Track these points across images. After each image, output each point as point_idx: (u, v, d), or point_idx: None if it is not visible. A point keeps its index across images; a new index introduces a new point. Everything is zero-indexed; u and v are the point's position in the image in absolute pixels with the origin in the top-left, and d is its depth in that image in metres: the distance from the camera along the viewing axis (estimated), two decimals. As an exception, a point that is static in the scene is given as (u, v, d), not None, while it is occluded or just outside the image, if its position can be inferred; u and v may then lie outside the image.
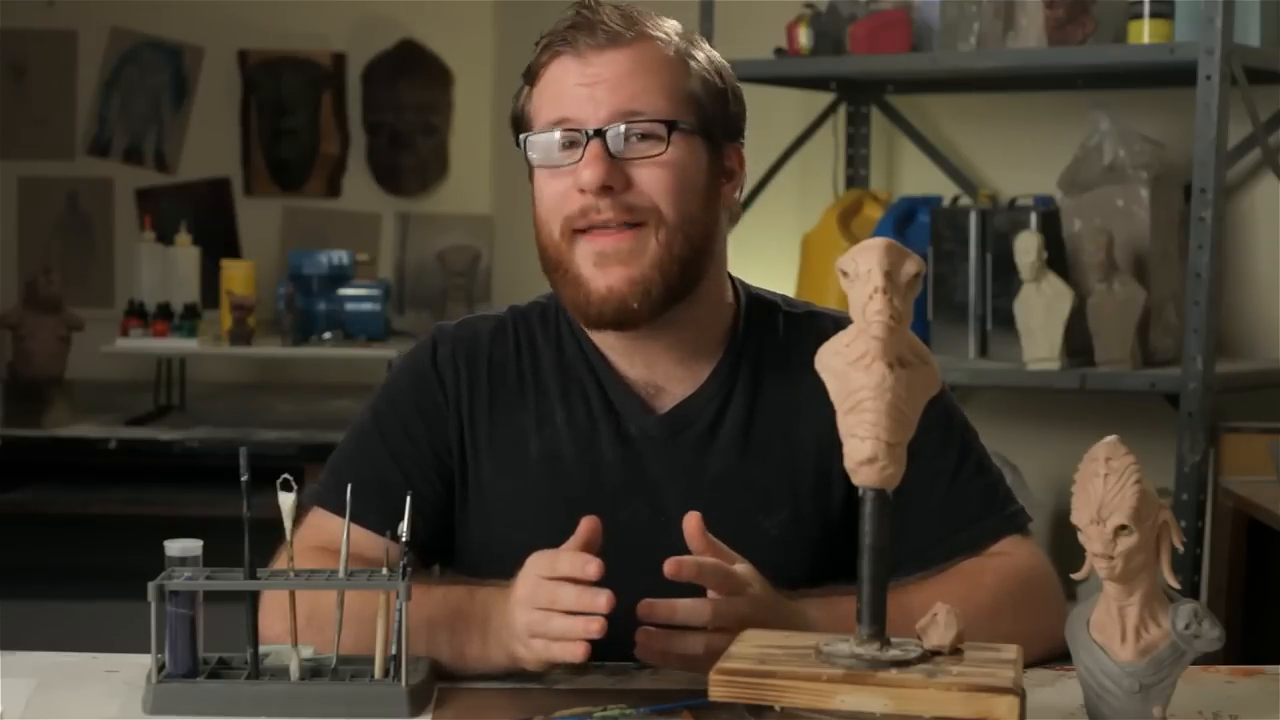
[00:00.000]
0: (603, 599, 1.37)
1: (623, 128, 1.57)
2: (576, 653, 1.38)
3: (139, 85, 4.34)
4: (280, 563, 1.46)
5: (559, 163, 1.59)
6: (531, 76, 1.63)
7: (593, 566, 1.38)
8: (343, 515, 1.47)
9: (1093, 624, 1.31)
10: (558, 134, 1.59)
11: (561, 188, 1.59)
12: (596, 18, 1.60)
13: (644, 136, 1.58)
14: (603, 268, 1.57)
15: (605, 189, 1.55)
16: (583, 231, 1.58)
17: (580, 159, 1.57)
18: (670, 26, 1.63)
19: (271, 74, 4.35)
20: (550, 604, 1.40)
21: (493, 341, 1.70)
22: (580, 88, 1.58)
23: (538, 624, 1.41)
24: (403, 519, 1.45)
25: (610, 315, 1.59)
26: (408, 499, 1.44)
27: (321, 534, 1.60)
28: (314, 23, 4.33)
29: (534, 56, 1.63)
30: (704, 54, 1.64)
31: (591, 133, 1.56)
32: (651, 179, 1.58)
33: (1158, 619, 1.28)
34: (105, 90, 4.34)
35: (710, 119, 1.62)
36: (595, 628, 1.37)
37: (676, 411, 1.66)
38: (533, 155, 1.61)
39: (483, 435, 1.67)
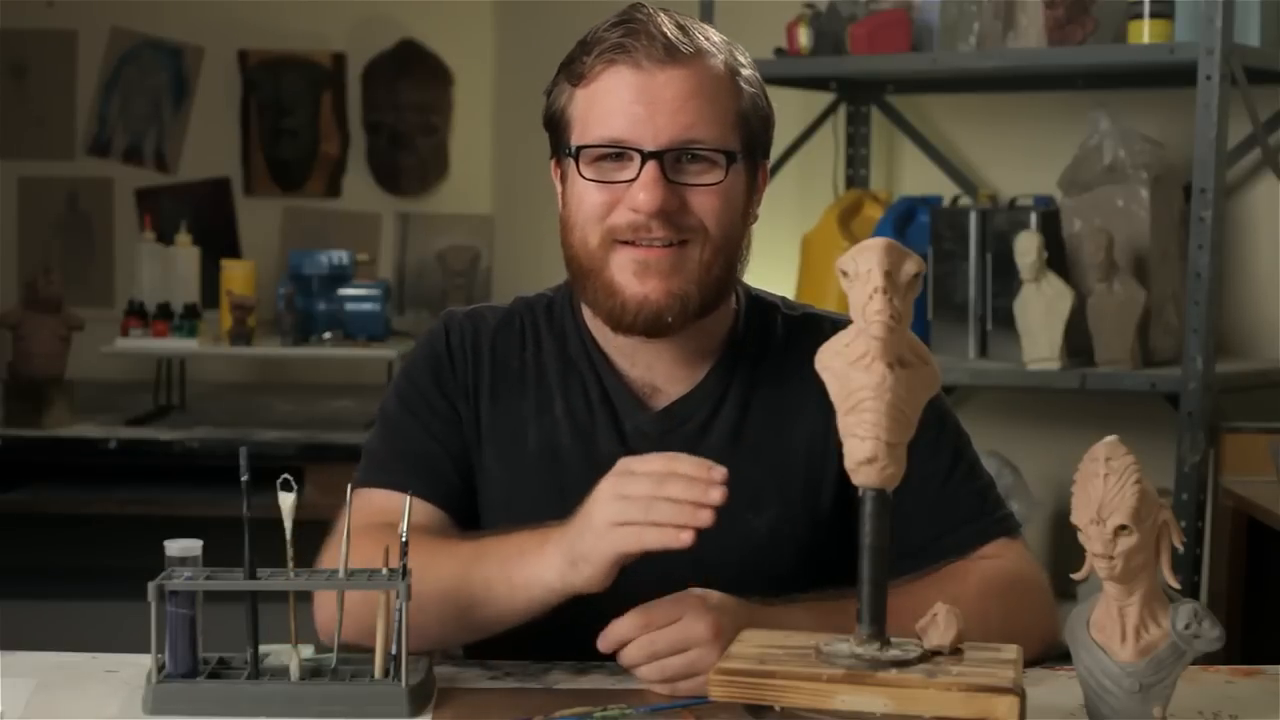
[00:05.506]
0: (717, 493, 1.37)
1: (681, 155, 1.57)
2: (682, 539, 1.37)
3: (139, 85, 4.34)
4: (332, 549, 1.51)
5: (609, 178, 1.58)
6: (577, 78, 1.60)
7: (719, 472, 1.38)
8: (389, 489, 1.55)
9: (1093, 624, 1.31)
10: (612, 151, 1.58)
11: (607, 198, 1.58)
12: (652, 24, 1.58)
13: (697, 158, 1.58)
14: (641, 277, 1.58)
15: (660, 212, 1.56)
16: (626, 242, 1.58)
17: (635, 178, 1.56)
18: (715, 35, 1.63)
19: (271, 74, 4.35)
20: (654, 491, 1.39)
21: (498, 332, 1.72)
22: (638, 106, 1.56)
23: (633, 511, 1.39)
24: (445, 485, 1.52)
25: (643, 324, 1.60)
26: (407, 501, 1.45)
27: (374, 512, 1.60)
28: (314, 23, 4.33)
29: (580, 55, 1.60)
30: (748, 69, 1.64)
31: (649, 154, 1.56)
32: (704, 204, 1.58)
33: (1158, 619, 1.28)
34: (105, 90, 4.34)
35: (754, 139, 1.63)
36: (706, 517, 1.37)
37: (671, 409, 1.67)
38: (582, 166, 1.59)
39: (485, 422, 1.69)
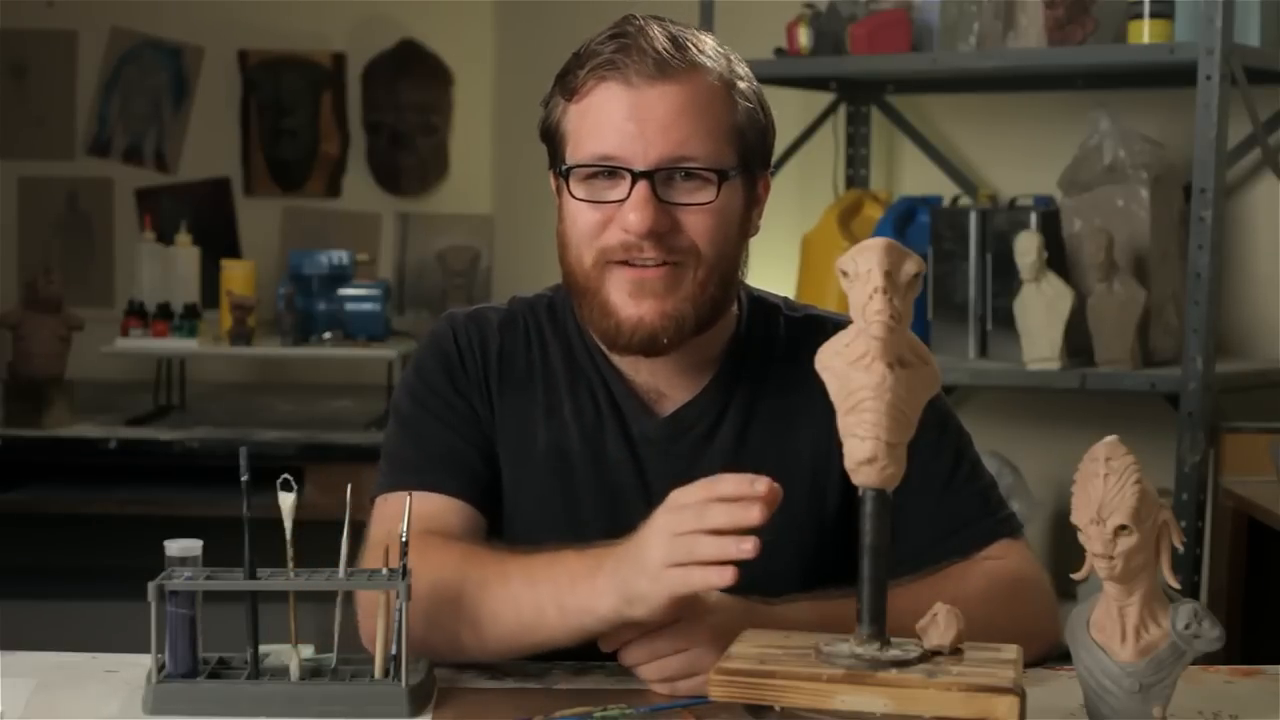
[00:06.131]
0: (755, 512, 1.31)
1: (673, 173, 1.55)
2: (724, 578, 1.32)
3: (139, 85, 4.34)
4: (370, 561, 1.50)
5: (601, 197, 1.57)
6: (570, 92, 1.59)
7: (762, 484, 1.33)
8: (422, 490, 1.52)
9: (1093, 624, 1.31)
10: (602, 169, 1.56)
11: (600, 218, 1.57)
12: (644, 39, 1.55)
13: (691, 176, 1.56)
14: (636, 298, 1.57)
15: (650, 233, 1.54)
16: (619, 262, 1.57)
17: (626, 197, 1.54)
18: (710, 47, 1.60)
19: (271, 74, 4.35)
20: (697, 525, 1.34)
21: (502, 331, 1.70)
22: (629, 123, 1.54)
23: (679, 550, 1.34)
24: (477, 481, 1.51)
25: (638, 345, 1.59)
26: (407, 500, 1.45)
27: (413, 518, 1.57)
28: (314, 23, 4.33)
29: (574, 68, 1.59)
30: (745, 82, 1.61)
31: (639, 173, 1.54)
32: (697, 224, 1.56)
33: (1158, 619, 1.28)
34: (105, 90, 4.34)
35: (750, 153, 1.61)
36: (748, 547, 1.31)
37: (676, 416, 1.66)
38: (573, 185, 1.58)
39: (497, 421, 1.67)
